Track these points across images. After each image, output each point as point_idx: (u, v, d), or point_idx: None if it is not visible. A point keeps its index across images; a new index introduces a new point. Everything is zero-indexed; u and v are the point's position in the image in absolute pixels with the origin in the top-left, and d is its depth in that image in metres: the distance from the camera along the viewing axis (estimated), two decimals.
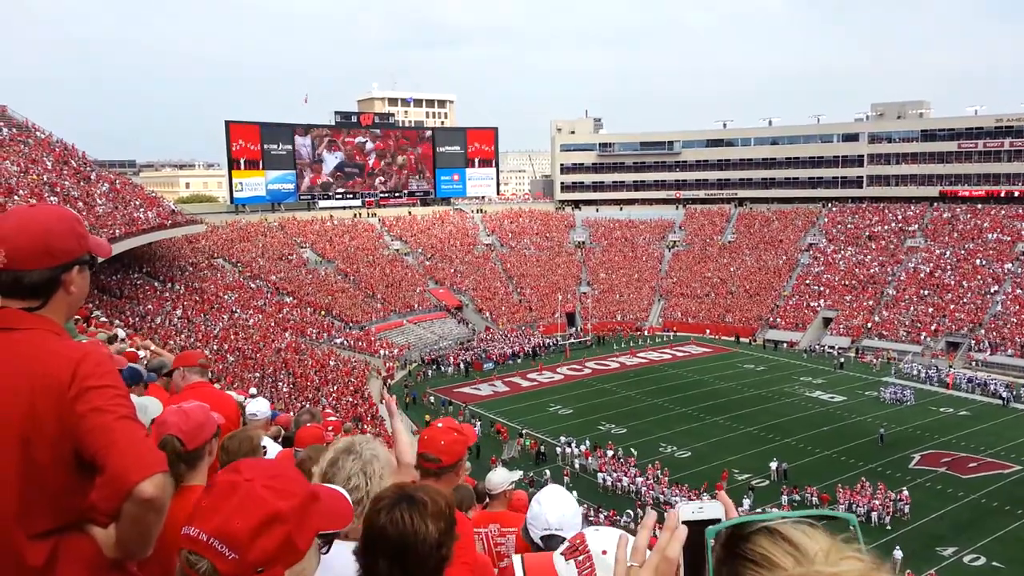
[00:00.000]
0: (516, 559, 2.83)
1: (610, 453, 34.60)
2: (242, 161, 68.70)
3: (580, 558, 1.94)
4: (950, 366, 50.29)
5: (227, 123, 68.34)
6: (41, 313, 2.07)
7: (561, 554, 2.04)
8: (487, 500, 4.97)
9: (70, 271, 2.10)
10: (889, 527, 27.99)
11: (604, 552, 1.87)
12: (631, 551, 1.32)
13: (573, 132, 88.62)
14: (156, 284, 48.24)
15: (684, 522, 1.23)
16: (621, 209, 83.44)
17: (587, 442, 36.31)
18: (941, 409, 42.47)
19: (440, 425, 3.32)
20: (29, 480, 1.94)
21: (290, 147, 71.60)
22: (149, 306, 43.46)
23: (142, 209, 45.34)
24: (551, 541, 2.61)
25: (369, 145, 76.53)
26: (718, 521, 1.24)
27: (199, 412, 2.94)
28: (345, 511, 1.64)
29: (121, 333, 14.01)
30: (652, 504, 29.98)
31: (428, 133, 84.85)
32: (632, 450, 35.02)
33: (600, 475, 32.88)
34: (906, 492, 29.43)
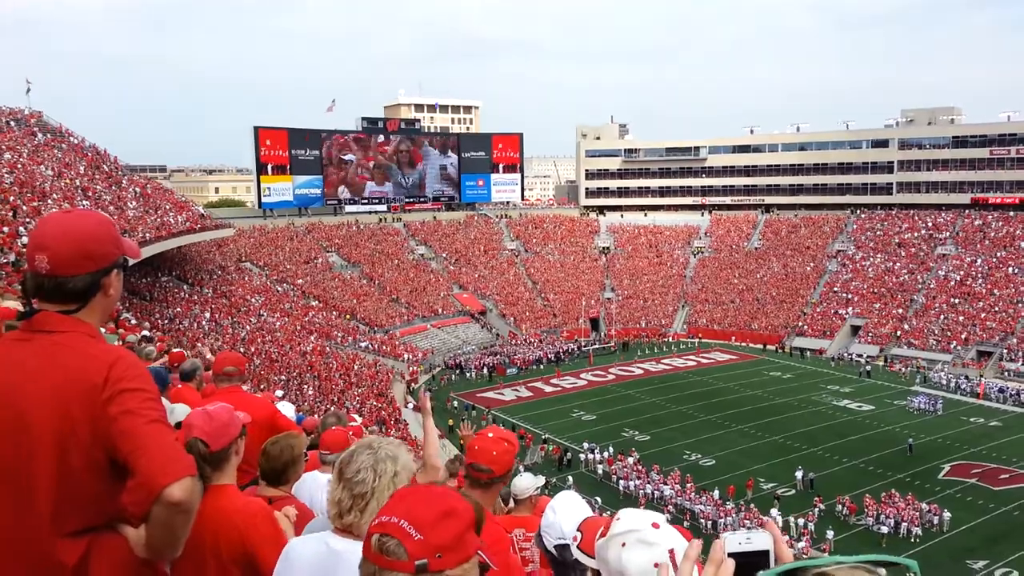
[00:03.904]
0: (563, 517, 2.83)
1: (631, 460, 34.40)
2: (270, 166, 69.45)
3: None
4: (981, 375, 49.44)
5: (256, 128, 69.10)
6: (78, 316, 2.11)
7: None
8: (511, 504, 4.97)
9: (109, 275, 2.15)
10: (917, 539, 27.55)
11: (656, 525, 1.89)
12: None
13: (599, 138, 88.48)
14: (185, 287, 48.84)
15: (730, 554, 1.21)
16: (646, 215, 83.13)
17: (610, 448, 36.15)
18: (971, 419, 41.74)
19: (491, 435, 3.26)
20: (63, 479, 1.98)
21: (317, 152, 72.21)
22: (178, 309, 43.99)
23: (172, 213, 45.93)
24: (565, 551, 2.59)
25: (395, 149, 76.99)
26: (766, 553, 1.21)
27: (223, 413, 2.96)
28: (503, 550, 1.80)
29: (149, 335, 14.21)
30: (675, 512, 29.79)
31: (453, 138, 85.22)
32: (656, 466, 34.77)
33: (621, 483, 32.70)
34: (947, 515, 28.44)
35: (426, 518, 1.43)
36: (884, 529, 27.83)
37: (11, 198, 30.08)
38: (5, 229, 25.39)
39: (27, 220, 27.35)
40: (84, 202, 36.49)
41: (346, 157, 74.06)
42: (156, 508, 1.89)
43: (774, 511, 28.85)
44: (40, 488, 1.97)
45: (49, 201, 32.59)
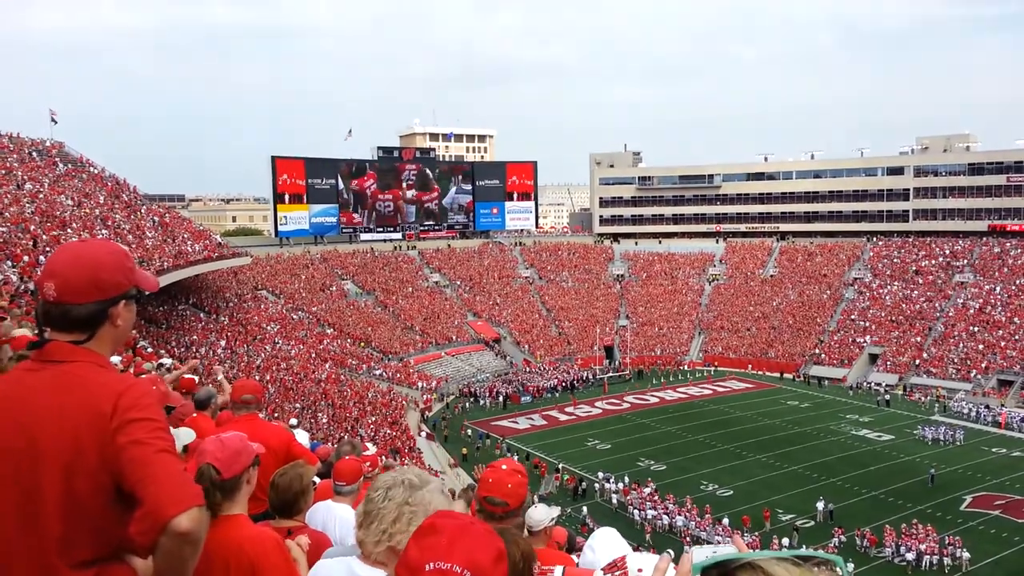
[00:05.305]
0: (558, 570, 2.77)
1: (646, 490, 34.02)
2: (287, 195, 70.16)
3: (617, 573, 1.97)
4: (1002, 405, 48.70)
5: (273, 158, 69.92)
6: (87, 346, 2.11)
7: (602, 570, 2.06)
8: (525, 536, 4.90)
9: (117, 305, 2.15)
10: (947, 570, 26.93)
11: (640, 571, 1.87)
12: None
13: (612, 166, 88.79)
14: (202, 315, 49.15)
15: (694, 563, 1.24)
16: (660, 242, 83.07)
17: (625, 478, 35.79)
18: (993, 449, 41.05)
19: (504, 467, 3.16)
20: (71, 510, 1.97)
21: (333, 182, 72.93)
22: (194, 336, 44.25)
23: (190, 242, 46.40)
24: None
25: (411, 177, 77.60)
26: None
27: (236, 441, 2.95)
28: None
29: (167, 362, 14.27)
30: (692, 543, 29.39)
31: (468, 167, 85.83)
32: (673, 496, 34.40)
33: (637, 512, 32.31)
34: (966, 555, 27.45)
35: (486, 564, 1.40)
36: (910, 556, 27.29)
37: (32, 227, 30.52)
38: (26, 258, 25.71)
39: (47, 249, 27.70)
40: (103, 231, 36.93)
41: (369, 188, 74.66)
42: (163, 539, 1.86)
43: (787, 541, 28.50)
44: (48, 516, 1.96)
45: (69, 230, 33.02)
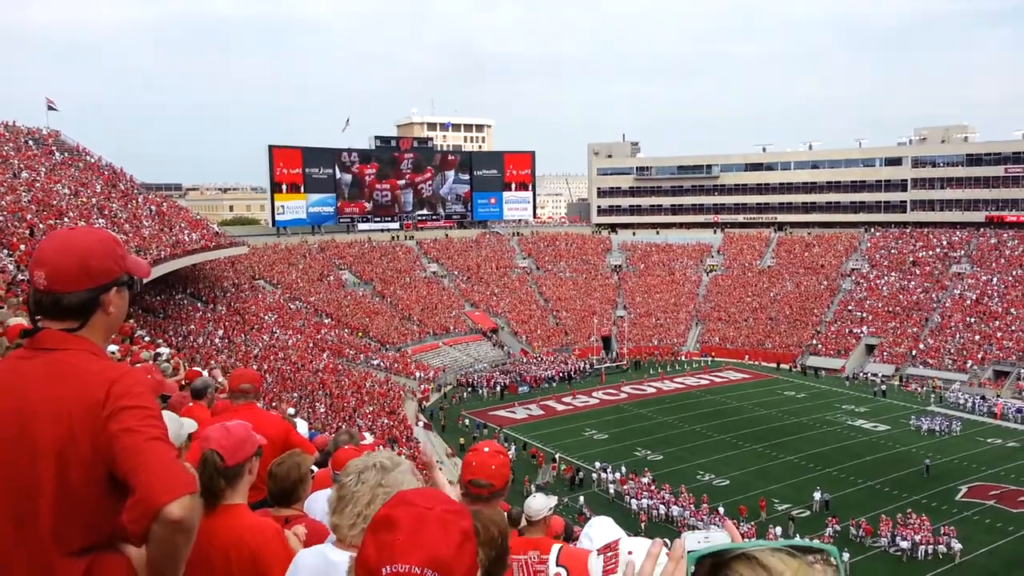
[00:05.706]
0: (554, 549, 2.80)
1: (645, 480, 34.14)
2: (284, 185, 70.00)
3: (609, 554, 2.02)
4: (998, 395, 48.86)
5: (270, 147, 69.74)
6: (80, 334, 2.09)
7: (597, 551, 2.11)
8: (523, 525, 4.92)
9: (108, 292, 2.13)
10: (942, 557, 27.10)
11: (630, 552, 1.90)
12: None
13: (610, 156, 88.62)
14: (199, 304, 49.09)
15: (690, 552, 1.25)
16: (658, 233, 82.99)
17: (623, 468, 35.91)
18: (988, 440, 41.21)
19: (486, 449, 3.22)
20: (64, 498, 1.96)
21: (331, 171, 72.77)
22: (192, 326, 44.17)
23: (187, 231, 46.28)
24: None
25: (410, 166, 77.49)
26: None
27: (241, 430, 2.96)
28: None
29: (165, 352, 14.29)
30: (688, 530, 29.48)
31: (466, 157, 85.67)
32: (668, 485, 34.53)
33: (634, 502, 32.43)
34: (958, 545, 27.51)
35: (448, 557, 1.29)
36: (905, 545, 27.44)
37: (28, 216, 30.42)
38: (22, 247, 25.64)
39: (43, 238, 27.62)
40: (100, 220, 36.80)
41: (367, 177, 74.56)
42: (155, 527, 1.85)
43: (779, 530, 28.64)
44: (43, 505, 1.95)
45: (66, 219, 32.89)
